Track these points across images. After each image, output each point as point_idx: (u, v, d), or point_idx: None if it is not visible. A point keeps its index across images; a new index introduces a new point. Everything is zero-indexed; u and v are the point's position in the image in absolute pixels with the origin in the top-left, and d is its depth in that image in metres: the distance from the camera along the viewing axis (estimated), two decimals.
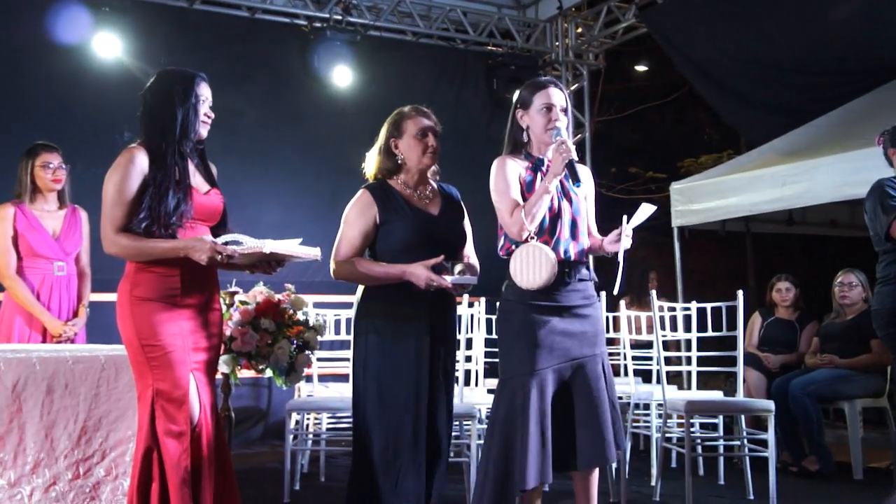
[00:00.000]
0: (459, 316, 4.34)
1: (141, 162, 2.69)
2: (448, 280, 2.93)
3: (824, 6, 6.09)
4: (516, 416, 2.93)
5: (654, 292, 4.54)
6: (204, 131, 2.84)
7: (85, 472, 3.04)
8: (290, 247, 2.75)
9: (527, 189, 3.07)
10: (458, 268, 2.98)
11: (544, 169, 3.10)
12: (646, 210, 2.99)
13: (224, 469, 2.76)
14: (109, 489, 3.07)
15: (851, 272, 5.41)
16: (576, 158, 2.99)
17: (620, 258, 3.02)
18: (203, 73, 2.86)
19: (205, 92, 2.82)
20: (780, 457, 5.12)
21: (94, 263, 4.43)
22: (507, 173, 3.07)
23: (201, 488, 2.65)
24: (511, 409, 2.96)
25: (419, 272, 2.94)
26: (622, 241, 3.01)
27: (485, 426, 4.66)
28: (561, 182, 3.04)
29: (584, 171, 3.17)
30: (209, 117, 2.84)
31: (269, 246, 2.67)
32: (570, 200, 3.08)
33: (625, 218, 3.00)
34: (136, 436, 2.79)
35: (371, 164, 3.21)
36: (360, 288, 3.14)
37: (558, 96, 3.10)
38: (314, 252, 2.82)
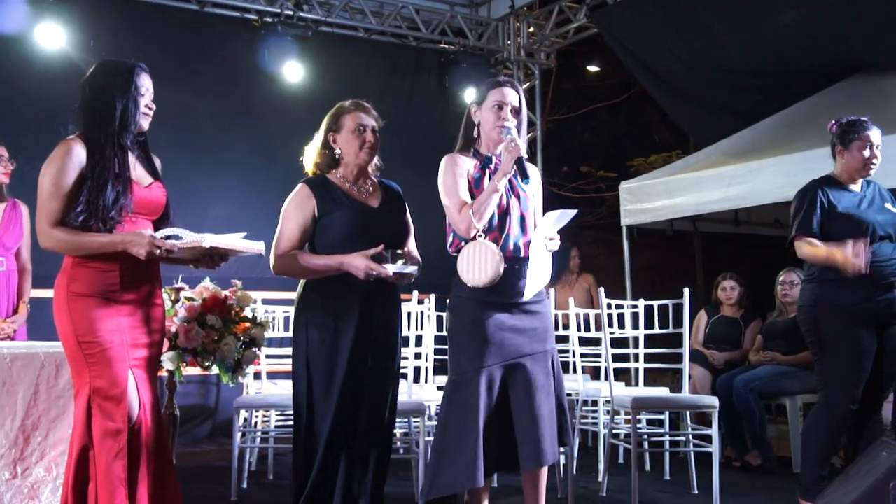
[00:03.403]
0: (409, 313, 4.35)
1: (78, 154, 2.63)
2: (388, 269, 2.92)
3: (772, 11, 6.21)
4: (466, 413, 2.93)
5: (602, 290, 4.58)
6: (145, 123, 2.78)
7: (23, 472, 2.97)
8: (232, 241, 2.71)
9: (475, 186, 3.08)
10: (400, 259, 2.97)
11: (492, 167, 3.11)
12: (565, 215, 3.02)
13: (164, 469, 2.70)
14: (49, 489, 3.01)
15: (793, 271, 5.53)
16: (525, 157, 3.01)
17: (533, 258, 2.99)
18: (150, 65, 2.81)
19: (145, 83, 2.76)
20: (724, 452, 5.22)
21: (35, 259, 4.33)
22: (455, 171, 3.08)
23: (137, 488, 2.60)
24: (461, 405, 2.95)
25: (358, 262, 2.93)
26: (548, 245, 3.02)
27: (434, 423, 4.67)
28: (510, 179, 3.06)
29: (532, 169, 3.19)
30: (150, 108, 2.78)
31: (210, 240, 2.62)
32: (518, 197, 3.09)
33: (549, 216, 3.02)
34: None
35: (310, 158, 3.21)
36: (301, 282, 3.12)
37: (512, 95, 3.12)
38: (257, 246, 2.79)
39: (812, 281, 3.76)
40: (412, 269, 3.00)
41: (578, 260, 7.22)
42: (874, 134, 3.77)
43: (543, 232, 3.01)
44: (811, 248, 3.71)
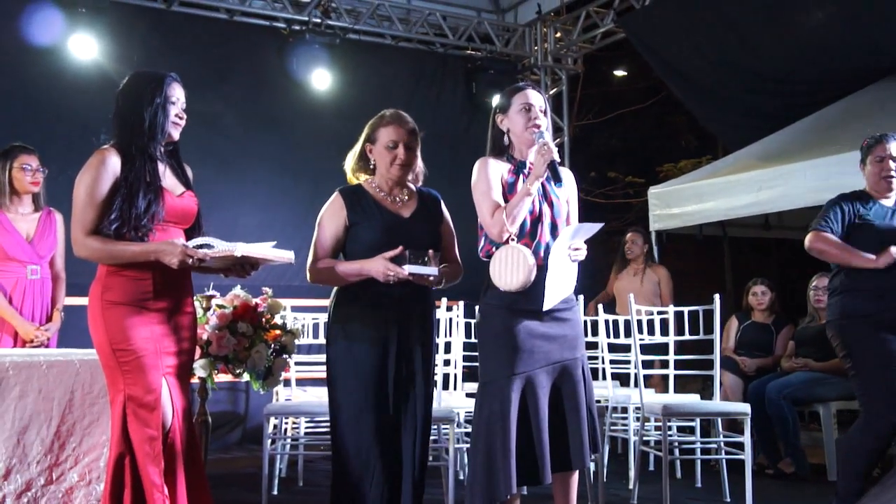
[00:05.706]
0: (438, 319, 4.35)
1: (113, 164, 2.66)
2: (406, 269, 2.91)
3: (801, 13, 6.15)
4: (497, 421, 2.93)
5: (631, 296, 4.55)
6: (175, 133, 2.80)
7: (58, 478, 3.00)
8: (263, 250, 2.72)
9: (508, 191, 3.07)
10: (424, 260, 2.93)
11: (526, 171, 3.10)
12: (587, 228, 3.00)
13: (195, 475, 2.72)
14: (83, 494, 3.04)
15: (826, 276, 5.45)
16: (558, 160, 2.99)
17: (552, 268, 2.97)
18: (181, 75, 2.83)
19: (176, 93, 2.78)
20: (756, 459, 5.16)
21: (69, 267, 4.38)
22: (489, 174, 3.08)
23: (175, 495, 2.62)
24: (492, 413, 2.95)
25: (376, 265, 2.93)
26: (573, 255, 3.00)
27: (463, 430, 4.66)
28: (543, 185, 3.04)
29: (567, 174, 3.18)
30: (181, 118, 2.80)
31: (241, 249, 2.64)
32: (550, 204, 3.08)
33: (568, 228, 3.01)
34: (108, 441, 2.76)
35: (349, 164, 3.24)
36: (334, 291, 3.13)
37: (536, 97, 3.11)
38: (288, 255, 2.80)
39: (836, 294, 3.72)
40: (431, 269, 2.95)
41: (636, 247, 6.39)
42: (890, 146, 3.74)
43: (563, 243, 2.99)
44: (824, 244, 3.72)
